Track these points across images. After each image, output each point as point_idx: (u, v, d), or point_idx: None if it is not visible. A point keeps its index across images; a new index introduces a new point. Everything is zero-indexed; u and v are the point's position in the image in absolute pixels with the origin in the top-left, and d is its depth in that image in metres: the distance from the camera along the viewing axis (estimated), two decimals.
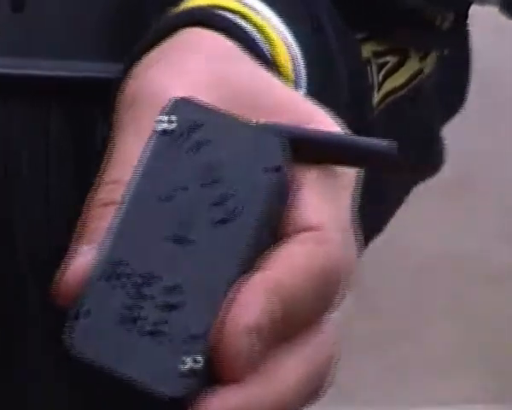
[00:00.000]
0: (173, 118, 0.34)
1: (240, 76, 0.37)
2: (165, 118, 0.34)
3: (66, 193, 0.45)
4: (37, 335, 0.45)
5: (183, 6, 0.40)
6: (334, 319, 0.36)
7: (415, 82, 0.50)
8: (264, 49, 0.40)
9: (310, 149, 0.35)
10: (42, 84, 0.44)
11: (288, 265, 0.34)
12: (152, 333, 0.33)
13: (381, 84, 0.48)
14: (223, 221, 0.34)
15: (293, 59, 0.41)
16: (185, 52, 0.38)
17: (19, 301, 0.45)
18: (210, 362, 0.32)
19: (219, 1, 0.40)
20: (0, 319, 0.45)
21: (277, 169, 0.34)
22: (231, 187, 0.34)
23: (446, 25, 0.50)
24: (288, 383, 0.34)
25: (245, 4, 0.40)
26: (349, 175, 0.36)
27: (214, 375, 0.32)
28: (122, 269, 0.34)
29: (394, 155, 0.35)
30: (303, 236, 0.34)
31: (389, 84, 0.49)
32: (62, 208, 0.45)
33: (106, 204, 0.35)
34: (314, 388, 0.35)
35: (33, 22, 0.44)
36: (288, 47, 0.41)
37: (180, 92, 0.35)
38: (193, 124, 0.34)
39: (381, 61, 0.48)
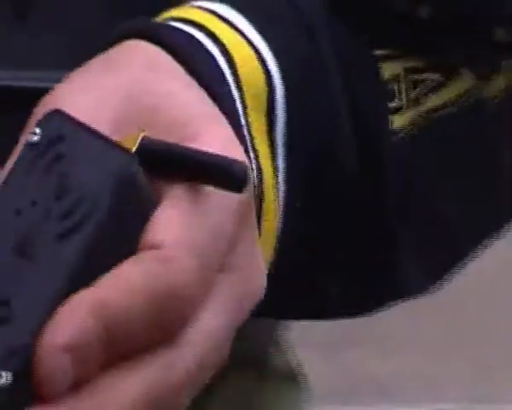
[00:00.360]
0: (40, 131, 0.36)
1: (148, 93, 0.38)
2: (36, 130, 0.37)
3: None
4: None
5: (163, 17, 0.42)
6: (198, 339, 0.35)
7: (469, 101, 0.49)
8: (222, 66, 0.41)
9: (178, 168, 0.36)
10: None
11: (118, 283, 0.34)
12: None
13: (416, 101, 0.48)
14: (62, 236, 0.35)
15: (267, 72, 0.42)
16: (108, 65, 0.39)
17: None
18: (25, 379, 0.33)
19: (192, 15, 0.42)
20: None
21: (124, 185, 0.35)
22: (77, 203, 0.35)
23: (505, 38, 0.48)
24: (115, 407, 0.34)
25: (221, 19, 0.42)
26: (228, 198, 0.36)
27: (31, 396, 0.34)
28: None
29: (242, 174, 0.36)
30: (142, 253, 0.35)
31: (432, 102, 0.48)
32: None
33: None
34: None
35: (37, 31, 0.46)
36: (263, 61, 0.42)
37: (76, 106, 0.37)
38: (56, 137, 0.36)
39: (418, 77, 0.48)
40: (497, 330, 3.25)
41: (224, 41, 0.42)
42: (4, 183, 0.37)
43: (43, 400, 0.34)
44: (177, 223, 0.36)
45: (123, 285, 0.35)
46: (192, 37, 0.41)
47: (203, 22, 0.42)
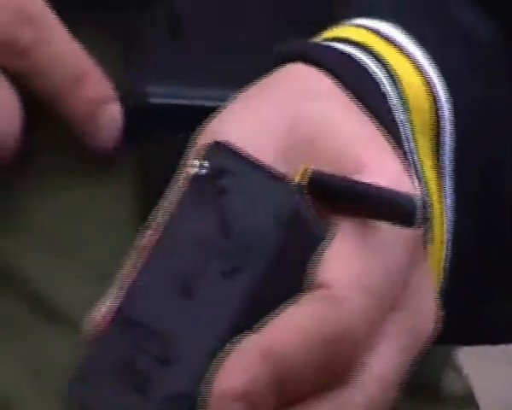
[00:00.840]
0: (205, 163, 0.36)
1: (311, 123, 0.37)
2: (201, 162, 0.36)
3: None
4: None
5: (318, 38, 0.42)
6: (369, 382, 0.34)
7: None
8: (387, 88, 0.40)
9: (348, 202, 0.35)
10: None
11: (287, 328, 0.33)
12: (136, 389, 0.34)
13: None
14: (226, 275, 0.34)
15: (435, 95, 0.40)
16: (269, 92, 0.39)
17: None
18: None
19: (353, 34, 0.41)
20: None
21: (293, 224, 0.34)
22: (241, 242, 0.34)
23: None
24: None
25: (383, 38, 0.41)
26: (400, 233, 0.34)
27: None
28: (129, 321, 0.35)
29: (413, 209, 0.34)
30: (311, 294, 0.34)
31: None
32: None
33: (144, 248, 0.37)
34: None
35: (197, 55, 0.45)
36: (429, 83, 0.41)
37: (239, 136, 0.36)
38: (221, 171, 0.36)
39: None
40: None
41: (389, 61, 0.41)
42: (171, 216, 0.37)
43: None
44: (348, 260, 0.34)
45: (292, 329, 0.33)
46: (353, 58, 0.40)
47: (365, 41, 0.41)
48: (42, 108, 0.44)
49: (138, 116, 0.45)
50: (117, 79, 0.44)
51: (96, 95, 0.43)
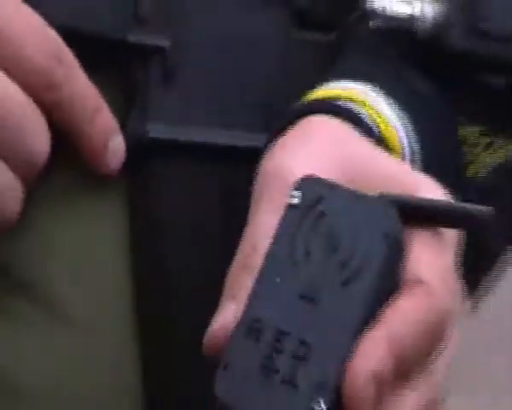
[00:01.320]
0: (299, 193, 0.41)
1: (355, 154, 0.44)
2: (295, 193, 0.41)
3: (214, 245, 0.52)
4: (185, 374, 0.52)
5: (311, 96, 0.48)
6: (442, 357, 0.41)
7: None
8: (374, 129, 0.46)
9: (419, 214, 0.41)
10: (198, 150, 0.51)
11: (401, 318, 0.39)
12: (284, 382, 0.39)
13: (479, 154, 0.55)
14: (345, 283, 0.39)
15: (400, 139, 0.48)
16: (310, 137, 0.45)
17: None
18: (335, 405, 0.38)
19: (333, 92, 0.48)
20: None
21: (392, 235, 0.39)
22: (351, 252, 0.39)
23: None
24: None
25: (355, 91, 0.48)
26: (452, 235, 0.41)
27: None
28: (259, 326, 0.40)
29: (490, 217, 0.40)
30: (414, 290, 0.39)
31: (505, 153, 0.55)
32: (210, 262, 0.51)
33: (244, 267, 0.42)
34: None
35: (185, 92, 0.50)
36: (394, 128, 0.48)
37: (304, 170, 0.41)
38: (316, 198, 0.41)
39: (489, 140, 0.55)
40: None
41: (375, 120, 0.47)
42: (274, 240, 0.41)
43: None
44: (433, 262, 0.41)
45: (402, 320, 0.39)
46: (354, 111, 0.46)
47: (355, 98, 0.48)
48: (58, 139, 0.48)
49: (139, 149, 0.50)
50: (119, 118, 0.49)
51: (106, 127, 0.48)
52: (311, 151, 0.44)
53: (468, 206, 0.41)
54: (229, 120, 0.51)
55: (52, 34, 0.45)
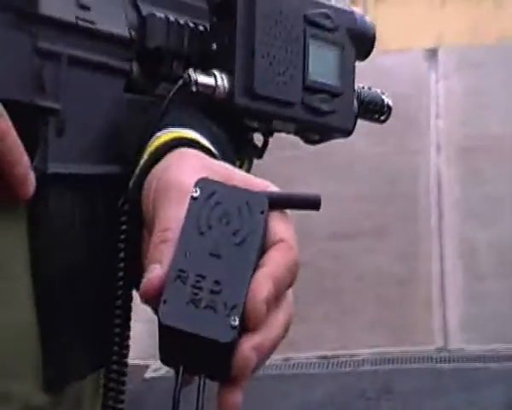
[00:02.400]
0: (198, 189, 0.57)
1: (216, 167, 0.62)
2: (195, 189, 0.57)
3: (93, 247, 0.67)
4: None
5: (166, 137, 0.66)
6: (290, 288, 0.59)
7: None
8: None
9: (276, 202, 0.59)
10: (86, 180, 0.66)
11: (276, 262, 0.57)
12: (207, 308, 0.53)
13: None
14: (238, 244, 0.56)
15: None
16: (182, 160, 0.63)
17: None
18: (241, 321, 0.53)
19: (179, 134, 0.66)
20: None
21: (265, 212, 0.58)
22: (240, 225, 0.56)
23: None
24: (280, 327, 0.57)
25: (191, 135, 0.67)
26: (290, 214, 0.60)
27: (242, 329, 0.54)
28: (183, 274, 0.54)
29: (318, 202, 0.59)
30: (280, 245, 0.58)
31: None
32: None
33: (163, 241, 0.57)
34: (288, 328, 0.58)
35: (73, 143, 0.64)
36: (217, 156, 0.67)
37: (192, 179, 0.59)
38: (211, 191, 0.57)
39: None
40: None
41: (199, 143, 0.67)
42: (185, 220, 0.56)
43: (251, 329, 0.54)
44: (286, 228, 0.59)
45: (280, 263, 0.57)
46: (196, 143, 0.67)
47: (189, 137, 0.67)
48: None
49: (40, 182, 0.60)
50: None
51: (27, 166, 0.58)
52: (189, 167, 0.61)
53: (304, 193, 0.60)
54: (102, 156, 0.66)
55: None
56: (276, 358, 4.03)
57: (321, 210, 0.60)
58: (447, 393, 3.80)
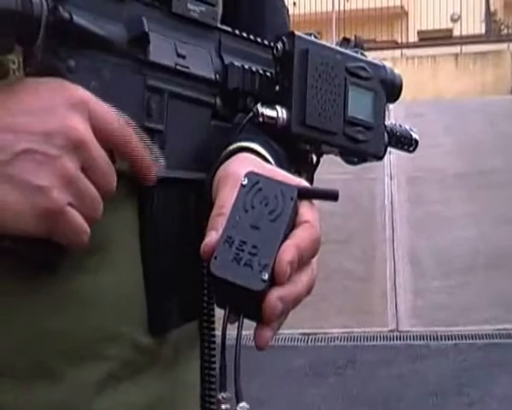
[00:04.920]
0: (246, 179, 0.58)
1: (266, 166, 0.63)
2: (244, 179, 0.58)
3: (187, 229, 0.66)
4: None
5: (232, 147, 0.66)
6: (314, 259, 0.58)
7: None
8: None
9: (304, 193, 0.59)
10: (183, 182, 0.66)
11: (300, 237, 0.56)
12: (246, 264, 0.54)
13: None
14: (273, 219, 0.56)
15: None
16: (242, 159, 0.63)
17: None
18: (271, 277, 0.54)
19: (245, 145, 0.66)
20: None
21: (294, 199, 0.58)
22: (275, 207, 0.57)
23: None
24: (303, 286, 0.56)
25: (254, 146, 0.66)
26: (316, 203, 0.61)
27: (272, 285, 0.54)
28: (232, 238, 0.55)
29: (337, 195, 0.59)
30: (304, 224, 0.57)
31: None
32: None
33: (219, 215, 0.58)
34: (310, 288, 0.57)
35: (171, 155, 0.64)
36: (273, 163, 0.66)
37: (245, 171, 0.59)
38: (256, 181, 0.58)
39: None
40: None
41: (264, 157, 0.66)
42: (235, 201, 0.57)
43: (278, 284, 0.54)
44: (311, 212, 0.58)
45: (303, 237, 0.56)
46: (257, 151, 0.66)
47: (250, 147, 0.66)
48: None
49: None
50: None
51: (151, 160, 0.60)
52: (246, 164, 0.61)
53: (325, 188, 0.59)
54: (192, 166, 0.66)
55: (120, 118, 0.56)
56: None
57: None
58: (398, 364, 3.89)
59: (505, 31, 12.56)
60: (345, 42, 0.78)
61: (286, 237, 0.55)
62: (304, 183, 0.60)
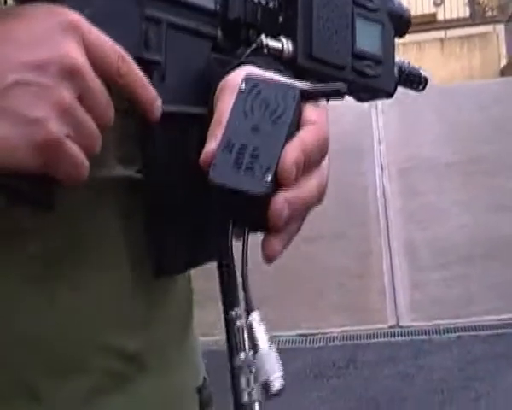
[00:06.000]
0: (244, 84, 0.56)
1: (267, 73, 0.59)
2: (241, 84, 0.56)
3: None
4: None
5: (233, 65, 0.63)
6: (325, 163, 0.57)
7: None
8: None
9: (307, 94, 0.57)
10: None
11: (305, 136, 0.54)
12: (248, 168, 0.52)
13: None
14: (275, 120, 0.54)
15: None
16: (242, 69, 0.61)
17: None
18: (275, 180, 0.52)
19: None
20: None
21: (296, 99, 0.55)
22: (276, 108, 0.55)
23: None
24: (311, 189, 0.54)
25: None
26: (323, 104, 0.58)
27: (277, 187, 0.52)
28: (231, 143, 0.54)
29: (342, 90, 0.57)
30: (308, 126, 0.55)
31: None
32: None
33: (218, 123, 0.56)
34: (321, 195, 0.55)
35: (171, 88, 0.62)
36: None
37: (241, 77, 0.57)
38: (253, 85, 0.56)
39: None
40: None
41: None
42: (233, 106, 0.55)
43: (284, 187, 0.52)
44: (317, 113, 0.56)
45: (308, 137, 0.54)
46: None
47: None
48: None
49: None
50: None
51: (154, 93, 0.57)
52: (245, 71, 0.59)
53: (328, 85, 0.57)
54: (193, 99, 0.64)
55: (116, 47, 0.53)
56: None
57: None
58: (401, 361, 3.87)
59: (489, 13, 12.59)
60: None
61: (290, 138, 0.53)
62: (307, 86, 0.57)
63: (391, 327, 4.27)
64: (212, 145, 0.54)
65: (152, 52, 0.60)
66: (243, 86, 0.55)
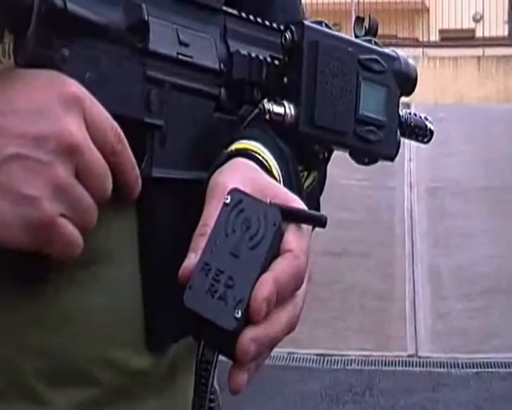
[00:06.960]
0: (229, 197, 0.55)
1: (259, 179, 0.58)
2: (227, 197, 0.55)
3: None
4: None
5: (234, 147, 0.62)
6: (300, 292, 0.56)
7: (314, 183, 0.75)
8: (266, 166, 0.61)
9: (290, 215, 0.56)
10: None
11: (280, 269, 0.53)
12: (221, 298, 0.52)
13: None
14: (252, 248, 0.54)
15: (277, 171, 0.63)
16: (235, 168, 0.59)
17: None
18: (245, 314, 0.51)
19: (246, 146, 0.62)
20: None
21: (277, 224, 0.55)
22: (256, 231, 0.54)
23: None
24: (281, 325, 0.53)
25: (257, 147, 0.62)
26: (308, 228, 0.57)
27: (247, 322, 0.52)
28: (208, 267, 0.53)
29: (324, 221, 0.56)
30: (287, 255, 0.54)
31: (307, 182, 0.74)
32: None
33: (201, 235, 0.55)
34: (292, 327, 0.55)
35: (172, 152, 0.62)
36: (274, 166, 0.62)
37: (233, 185, 0.56)
38: (238, 200, 0.55)
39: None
40: None
41: (266, 161, 0.62)
42: (216, 222, 0.54)
43: (253, 324, 0.51)
44: (297, 240, 0.54)
45: (281, 270, 0.53)
46: (259, 157, 0.61)
47: (255, 150, 0.62)
48: None
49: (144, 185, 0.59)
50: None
51: (138, 175, 0.58)
52: (237, 176, 0.58)
53: (313, 212, 0.57)
54: (194, 164, 0.64)
55: (114, 124, 0.54)
56: (282, 351, 4.08)
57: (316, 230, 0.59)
58: (417, 392, 3.86)
59: None
60: (359, 21, 0.77)
61: (267, 266, 0.53)
62: (296, 203, 0.57)
63: (410, 356, 4.27)
64: (191, 260, 0.54)
65: (153, 115, 0.60)
66: (228, 200, 0.55)
